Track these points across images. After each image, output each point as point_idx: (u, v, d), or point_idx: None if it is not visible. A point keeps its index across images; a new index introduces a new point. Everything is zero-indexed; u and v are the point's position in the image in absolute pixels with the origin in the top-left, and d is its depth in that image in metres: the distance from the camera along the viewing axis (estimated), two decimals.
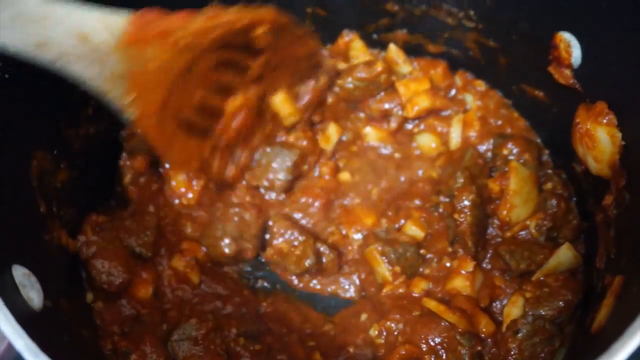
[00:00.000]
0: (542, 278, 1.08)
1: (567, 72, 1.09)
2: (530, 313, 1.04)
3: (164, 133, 1.05)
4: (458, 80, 1.35)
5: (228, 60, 1.10)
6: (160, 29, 0.94)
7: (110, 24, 0.89)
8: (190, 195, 1.24)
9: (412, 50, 1.36)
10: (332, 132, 1.31)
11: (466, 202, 1.13)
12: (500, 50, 1.25)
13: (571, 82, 1.09)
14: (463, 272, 1.12)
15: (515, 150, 1.22)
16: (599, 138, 1.00)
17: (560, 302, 1.03)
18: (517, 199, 1.14)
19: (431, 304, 1.08)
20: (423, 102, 1.29)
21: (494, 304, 1.12)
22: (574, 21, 1.05)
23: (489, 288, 1.13)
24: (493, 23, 1.21)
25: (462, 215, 1.13)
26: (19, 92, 0.95)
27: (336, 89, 1.31)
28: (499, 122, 1.31)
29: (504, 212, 1.14)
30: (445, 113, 1.33)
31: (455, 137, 1.30)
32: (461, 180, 1.17)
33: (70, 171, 1.08)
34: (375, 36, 1.38)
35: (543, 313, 1.03)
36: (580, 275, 1.09)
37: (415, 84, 1.31)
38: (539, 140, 1.28)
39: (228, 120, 1.17)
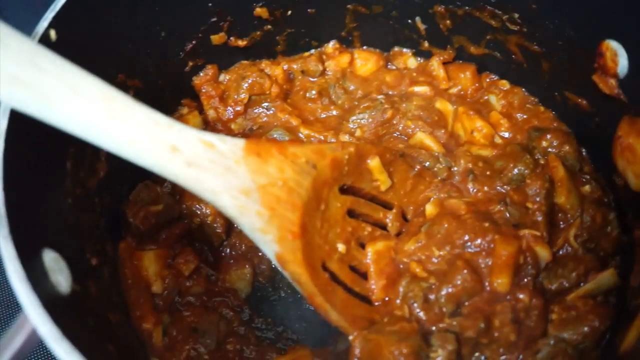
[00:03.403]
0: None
1: (612, 81, 1.06)
2: (553, 334, 1.01)
3: (318, 279, 1.01)
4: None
5: (358, 211, 1.13)
6: (275, 144, 0.99)
7: (229, 139, 0.92)
8: None
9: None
10: None
11: (538, 190, 1.10)
12: (544, 55, 1.21)
13: (616, 92, 1.06)
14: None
15: (555, 143, 1.19)
16: None
17: (586, 328, 1.00)
18: (570, 184, 1.12)
19: None
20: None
21: None
22: (622, 30, 1.01)
23: None
24: (538, 27, 1.18)
25: (535, 205, 1.10)
26: None
27: None
28: (525, 117, 1.29)
29: (563, 198, 1.11)
30: None
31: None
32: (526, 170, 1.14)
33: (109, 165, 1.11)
34: (418, 38, 1.38)
35: (566, 337, 1.00)
36: (613, 297, 1.06)
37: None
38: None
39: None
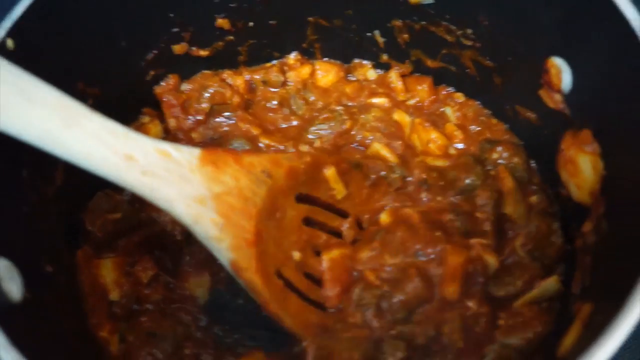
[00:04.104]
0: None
1: (558, 96, 1.10)
2: (499, 340, 1.04)
3: (272, 287, 1.04)
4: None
5: (314, 219, 1.16)
6: (231, 153, 1.01)
7: (184, 148, 0.94)
8: None
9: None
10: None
11: (487, 200, 1.15)
12: (496, 69, 1.26)
13: (561, 107, 1.10)
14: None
15: (505, 155, 1.23)
16: (582, 166, 1.01)
17: (530, 334, 1.04)
18: (518, 195, 1.16)
19: None
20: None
21: None
22: (565, 48, 1.06)
23: None
24: (489, 43, 1.22)
25: (483, 214, 1.15)
26: None
27: None
28: (479, 129, 1.33)
29: (510, 208, 1.16)
30: None
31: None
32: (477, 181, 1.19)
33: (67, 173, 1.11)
34: (377, 51, 1.41)
35: (512, 342, 1.04)
36: (557, 303, 1.09)
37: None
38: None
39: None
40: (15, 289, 0.84)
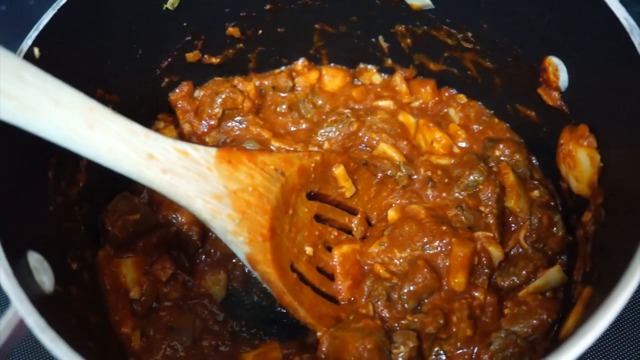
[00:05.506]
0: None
1: (555, 94, 1.15)
2: (505, 328, 1.09)
3: (287, 279, 1.08)
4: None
5: (325, 216, 1.21)
6: (246, 152, 1.06)
7: (201, 147, 0.99)
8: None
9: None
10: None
11: (490, 194, 1.20)
12: (496, 70, 1.31)
13: (558, 103, 1.15)
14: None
15: (507, 152, 1.28)
16: (580, 159, 1.06)
17: (535, 321, 1.08)
18: (520, 189, 1.21)
19: None
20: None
21: None
22: (561, 47, 1.11)
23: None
24: (489, 45, 1.28)
25: (487, 208, 1.19)
26: None
27: None
28: (481, 128, 1.38)
29: (512, 202, 1.20)
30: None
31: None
32: (480, 177, 1.23)
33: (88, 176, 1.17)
34: (381, 56, 1.47)
35: (517, 330, 1.08)
36: (560, 292, 1.14)
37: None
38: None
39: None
40: (47, 281, 0.88)
